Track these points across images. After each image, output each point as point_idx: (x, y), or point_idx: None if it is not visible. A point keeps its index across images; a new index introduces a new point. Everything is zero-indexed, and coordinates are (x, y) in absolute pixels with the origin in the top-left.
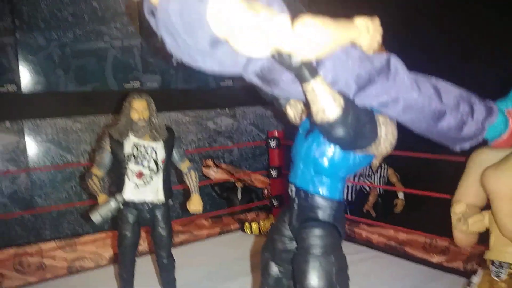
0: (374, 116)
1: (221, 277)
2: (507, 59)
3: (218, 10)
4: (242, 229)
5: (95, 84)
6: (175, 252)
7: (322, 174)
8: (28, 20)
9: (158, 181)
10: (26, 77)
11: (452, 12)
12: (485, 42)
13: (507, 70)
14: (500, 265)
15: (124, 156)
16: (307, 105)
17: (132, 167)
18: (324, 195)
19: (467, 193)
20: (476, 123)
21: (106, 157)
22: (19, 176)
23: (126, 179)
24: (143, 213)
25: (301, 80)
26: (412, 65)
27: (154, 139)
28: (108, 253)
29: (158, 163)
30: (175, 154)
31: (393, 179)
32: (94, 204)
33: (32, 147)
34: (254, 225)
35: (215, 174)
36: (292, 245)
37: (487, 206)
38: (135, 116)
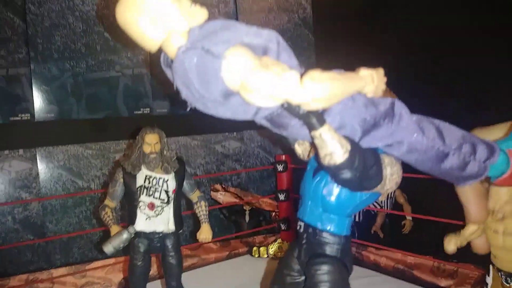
0: (379, 158)
1: None
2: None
3: (232, 66)
4: (250, 253)
5: (107, 112)
6: (183, 276)
7: (330, 212)
8: (42, 51)
9: (169, 212)
10: (39, 106)
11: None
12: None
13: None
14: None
15: (136, 188)
16: (314, 147)
17: (144, 198)
18: (332, 231)
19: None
20: (479, 163)
21: (119, 189)
22: (31, 202)
23: (138, 211)
24: (153, 242)
25: (309, 127)
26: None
27: (166, 171)
28: (117, 278)
29: (169, 193)
30: (185, 185)
31: (401, 199)
32: (104, 230)
33: (44, 173)
34: (262, 249)
35: (223, 197)
36: (301, 278)
37: None
38: (147, 149)
